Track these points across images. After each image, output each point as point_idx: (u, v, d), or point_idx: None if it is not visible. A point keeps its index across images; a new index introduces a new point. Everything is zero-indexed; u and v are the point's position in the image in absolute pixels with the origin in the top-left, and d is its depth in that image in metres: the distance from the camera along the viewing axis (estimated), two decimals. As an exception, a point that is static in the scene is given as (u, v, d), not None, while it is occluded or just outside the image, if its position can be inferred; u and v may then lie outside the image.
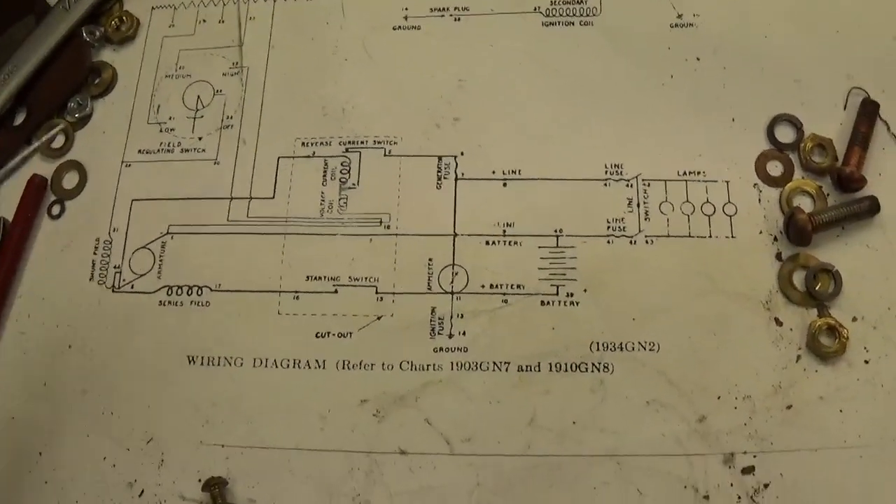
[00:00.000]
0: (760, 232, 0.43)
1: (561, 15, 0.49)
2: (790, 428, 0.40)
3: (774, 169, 0.45)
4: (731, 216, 0.44)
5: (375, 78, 0.48)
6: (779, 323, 0.42)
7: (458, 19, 0.49)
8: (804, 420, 0.40)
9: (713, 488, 0.40)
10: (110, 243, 0.46)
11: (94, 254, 0.46)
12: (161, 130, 0.48)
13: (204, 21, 0.50)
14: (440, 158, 0.46)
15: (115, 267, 0.46)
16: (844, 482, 0.39)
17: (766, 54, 0.47)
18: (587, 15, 0.48)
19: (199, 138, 0.48)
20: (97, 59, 0.51)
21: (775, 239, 0.43)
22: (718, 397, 0.41)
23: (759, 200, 0.44)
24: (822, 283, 0.42)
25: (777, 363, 0.41)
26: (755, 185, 0.44)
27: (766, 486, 0.39)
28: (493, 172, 0.45)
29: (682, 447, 0.40)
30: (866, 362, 0.41)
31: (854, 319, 0.42)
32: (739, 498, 0.39)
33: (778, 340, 0.42)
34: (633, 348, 0.42)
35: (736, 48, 0.47)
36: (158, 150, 0.48)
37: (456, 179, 0.45)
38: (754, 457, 0.40)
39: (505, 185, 0.45)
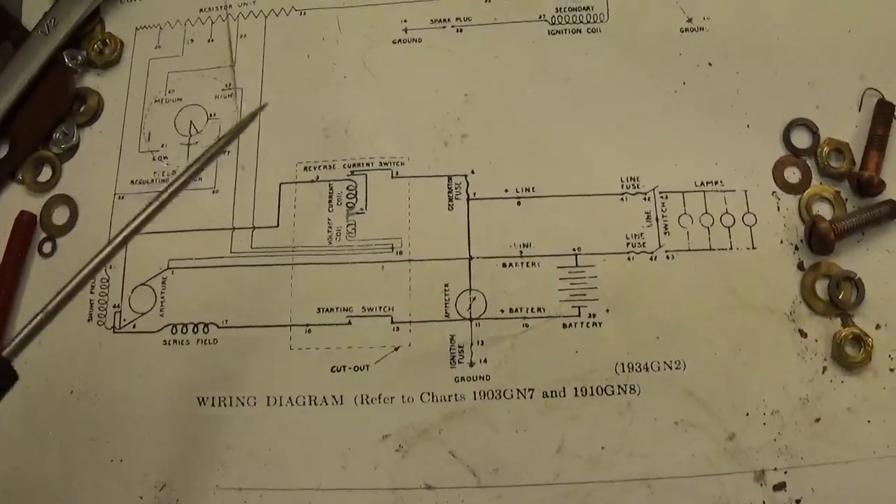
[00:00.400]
0: (781, 241, 0.43)
1: (567, 22, 0.47)
2: (820, 441, 0.40)
3: (792, 176, 0.44)
4: (750, 226, 0.43)
5: (377, 95, 0.46)
6: (803, 334, 0.42)
7: (461, 30, 0.47)
8: (833, 433, 0.40)
9: (746, 507, 0.40)
10: (108, 281, 0.44)
11: (91, 293, 0.44)
12: (154, 159, 0.46)
13: (192, 41, 0.48)
14: (450, 178, 0.45)
15: (114, 306, 0.44)
16: (876, 494, 0.39)
17: (779, 57, 0.46)
18: (594, 21, 0.47)
19: (195, 166, 0.46)
20: (81, 86, 0.48)
21: (796, 248, 0.43)
22: (747, 414, 0.40)
23: (779, 209, 0.43)
24: (844, 291, 0.42)
25: (804, 376, 0.41)
26: (773, 192, 0.44)
27: (797, 501, 0.39)
28: (506, 191, 0.44)
29: (712, 467, 0.40)
30: (892, 370, 0.41)
31: (878, 327, 0.41)
32: (772, 516, 0.40)
33: (803, 352, 0.41)
34: (659, 368, 0.41)
35: (748, 51, 0.46)
36: (153, 181, 0.46)
37: (468, 200, 0.44)
38: (785, 472, 0.40)
39: (519, 203, 0.44)
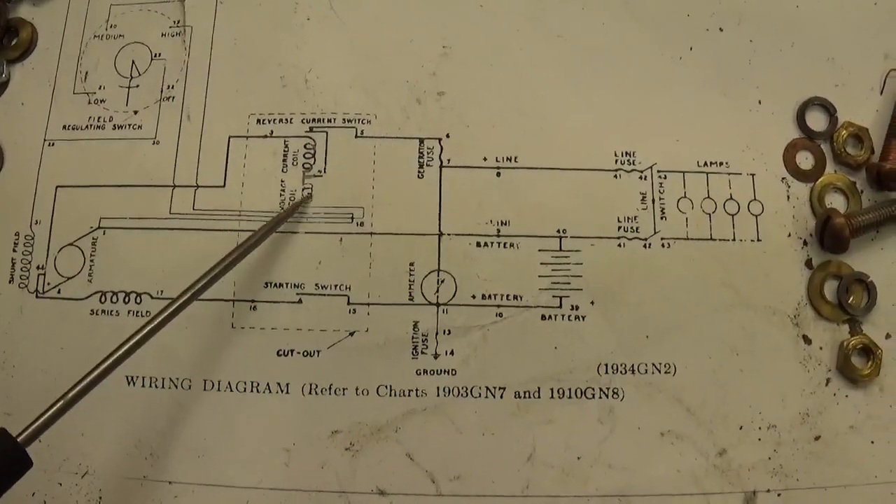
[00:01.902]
0: (789, 235, 0.32)
1: (563, -29, 0.35)
2: (818, 462, 0.30)
3: (805, 161, 0.33)
4: (756, 216, 0.32)
5: (344, 42, 0.34)
6: (807, 341, 0.31)
7: (443, -28, 0.35)
8: (833, 453, 0.30)
9: (733, 532, 0.30)
10: (32, 238, 0.32)
11: (14, 251, 0.32)
12: (90, 102, 0.34)
13: (138, -32, 0.36)
14: (422, 141, 0.32)
15: (38, 267, 0.32)
16: (875, 522, 0.30)
17: (797, 27, 0.34)
18: (594, -28, 0.35)
19: (135, 112, 0.33)
20: (13, 16, 0.35)
21: (805, 243, 0.32)
22: (740, 427, 0.30)
23: (788, 197, 0.32)
24: (854, 295, 0.31)
25: (805, 387, 0.30)
26: (783, 178, 0.32)
27: (790, 527, 0.30)
28: (485, 159, 0.32)
29: (699, 485, 0.29)
30: (900, 385, 0.31)
31: (888, 336, 0.31)
32: (762, 543, 0.29)
33: (806, 361, 0.31)
34: (647, 371, 0.30)
35: (763, 18, 0.34)
36: (87, 126, 0.33)
37: (441, 167, 0.32)
38: (778, 495, 0.29)
39: (499, 174, 0.32)
